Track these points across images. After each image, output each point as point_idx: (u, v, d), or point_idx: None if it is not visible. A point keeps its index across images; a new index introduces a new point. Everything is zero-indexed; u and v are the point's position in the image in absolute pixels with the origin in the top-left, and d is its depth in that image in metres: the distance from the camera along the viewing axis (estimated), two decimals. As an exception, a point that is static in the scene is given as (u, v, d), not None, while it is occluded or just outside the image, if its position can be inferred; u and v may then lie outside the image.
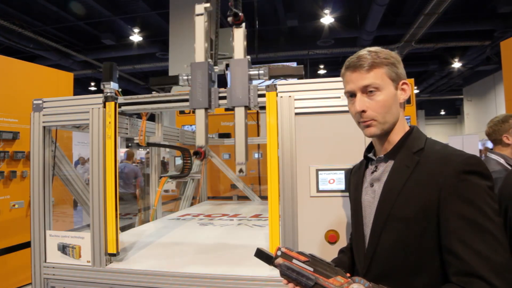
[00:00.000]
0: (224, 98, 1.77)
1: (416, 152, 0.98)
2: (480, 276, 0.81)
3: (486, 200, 0.85)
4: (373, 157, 1.10)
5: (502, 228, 0.85)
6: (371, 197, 1.06)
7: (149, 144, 2.52)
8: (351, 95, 1.04)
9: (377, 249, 0.99)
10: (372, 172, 1.08)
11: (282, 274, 0.98)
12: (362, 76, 0.99)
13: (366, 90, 1.00)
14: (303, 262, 0.96)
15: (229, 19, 1.75)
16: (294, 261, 0.97)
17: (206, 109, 1.73)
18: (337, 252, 1.30)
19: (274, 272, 1.61)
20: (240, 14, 1.73)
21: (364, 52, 1.02)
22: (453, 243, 0.86)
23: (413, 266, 0.93)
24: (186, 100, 1.88)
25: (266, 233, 1.78)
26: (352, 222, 1.14)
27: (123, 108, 2.00)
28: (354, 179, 1.18)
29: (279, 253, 1.00)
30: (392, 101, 1.00)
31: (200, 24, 1.79)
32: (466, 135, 13.34)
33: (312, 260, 0.96)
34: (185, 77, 1.84)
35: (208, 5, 1.81)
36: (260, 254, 1.04)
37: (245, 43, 1.77)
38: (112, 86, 1.95)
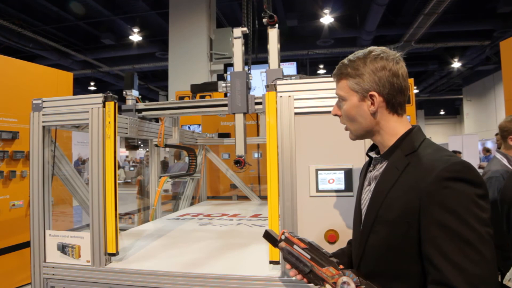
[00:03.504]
0: (259, 103, 1.95)
1: (408, 154, 0.96)
2: (453, 286, 0.80)
3: (470, 209, 0.82)
4: (373, 156, 1.11)
5: (486, 238, 0.82)
6: (367, 195, 1.07)
7: (166, 145, 2.78)
8: None
9: (365, 249, 1.00)
10: (370, 171, 1.10)
11: (284, 258, 1.05)
12: (335, 84, 1.09)
13: (339, 97, 1.08)
14: (303, 249, 1.02)
15: (264, 20, 1.99)
16: (295, 246, 1.03)
17: (244, 113, 1.89)
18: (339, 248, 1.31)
19: (274, 272, 1.61)
20: (275, 16, 1.97)
21: (345, 60, 1.06)
22: (430, 252, 0.85)
23: (394, 270, 0.93)
24: (197, 107, 2.21)
25: (265, 233, 1.78)
26: (353, 218, 1.16)
27: (144, 113, 2.28)
28: (361, 176, 1.20)
29: (283, 237, 1.06)
30: (355, 112, 1.03)
31: (238, 44, 2.02)
32: (466, 135, 13.35)
33: (310, 247, 1.01)
34: (224, 85, 2.03)
35: (245, 29, 2.06)
36: (268, 236, 1.11)
37: (279, 45, 2.03)
38: (133, 94, 2.23)
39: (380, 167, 1.05)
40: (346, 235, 1.52)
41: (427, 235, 0.86)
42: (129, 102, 2.31)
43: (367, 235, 0.99)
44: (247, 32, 2.12)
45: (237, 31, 2.03)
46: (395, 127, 1.02)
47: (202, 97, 4.71)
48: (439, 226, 0.84)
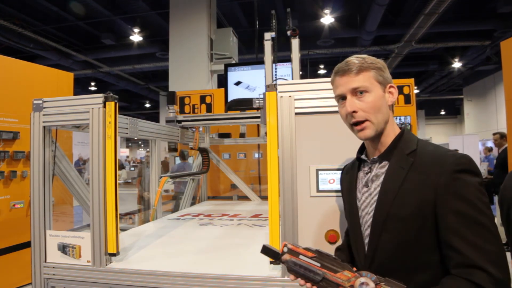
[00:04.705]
0: None
1: (410, 153, 1.02)
2: (479, 266, 0.87)
3: (478, 196, 0.92)
4: (366, 158, 1.13)
5: (493, 219, 0.91)
6: (367, 198, 1.08)
7: (199, 149, 3.47)
8: (341, 98, 1.09)
9: (378, 248, 1.02)
10: (367, 173, 1.10)
11: (290, 270, 1.00)
12: (352, 79, 1.05)
13: (356, 92, 1.05)
14: (310, 257, 0.98)
15: (288, 32, 2.52)
16: (301, 257, 0.99)
17: None
18: (334, 251, 1.31)
19: (274, 272, 1.61)
20: (297, 29, 2.50)
21: (351, 58, 1.08)
22: (451, 238, 0.91)
23: (413, 263, 0.97)
24: (224, 119, 2.95)
25: (266, 233, 1.78)
26: (349, 223, 1.17)
27: (184, 123, 2.99)
28: (347, 179, 1.20)
29: (285, 249, 1.02)
30: (381, 102, 1.05)
31: (268, 50, 2.47)
32: (466, 135, 13.34)
33: (319, 255, 0.98)
34: (257, 102, 2.49)
35: (273, 33, 2.52)
36: (267, 251, 1.05)
37: (299, 54, 2.54)
38: (174, 108, 2.91)
39: (380, 168, 1.07)
40: (346, 235, 1.52)
41: (445, 223, 0.93)
42: (171, 115, 2.92)
43: (378, 234, 1.02)
44: (274, 36, 2.60)
45: (267, 35, 2.49)
46: (394, 125, 1.10)
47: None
48: (456, 214, 0.92)
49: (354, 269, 0.94)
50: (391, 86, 1.07)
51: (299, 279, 0.98)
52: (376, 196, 1.04)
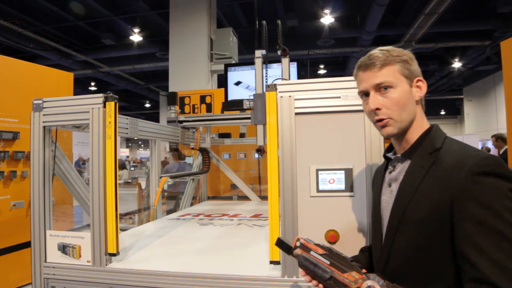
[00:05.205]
0: None
1: (432, 152, 0.94)
2: (494, 285, 0.77)
3: (504, 203, 0.80)
4: (392, 157, 1.07)
5: None
6: (388, 197, 1.04)
7: (200, 149, 3.52)
8: (365, 94, 1.02)
9: (391, 251, 0.97)
10: (390, 172, 1.06)
11: (300, 265, 1.01)
12: (375, 74, 0.98)
13: (379, 88, 0.98)
14: (321, 254, 0.97)
15: (279, 52, 2.62)
16: (312, 252, 0.98)
17: (264, 124, 2.28)
18: (357, 251, 1.29)
19: (274, 272, 1.61)
20: (287, 49, 2.62)
21: (375, 51, 1.00)
22: (466, 249, 0.81)
23: (426, 272, 0.90)
24: (224, 119, 3.06)
25: (266, 233, 1.78)
26: (371, 222, 1.13)
27: (185, 123, 3.08)
28: (377, 179, 1.16)
29: (298, 244, 1.02)
30: (407, 98, 0.97)
31: (259, 65, 2.55)
32: (466, 135, 13.35)
33: (329, 253, 0.97)
34: (248, 103, 2.56)
35: (263, 51, 2.57)
36: (281, 244, 1.07)
37: (289, 71, 2.68)
38: (175, 109, 3.03)
39: (402, 167, 1.02)
40: (346, 235, 1.52)
41: (461, 231, 0.83)
42: (172, 115, 2.98)
43: (393, 236, 0.97)
44: (266, 53, 2.67)
45: (258, 52, 2.56)
46: (422, 121, 1.02)
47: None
48: (474, 222, 0.81)
49: (364, 271, 0.92)
50: (419, 80, 0.99)
51: (306, 276, 0.98)
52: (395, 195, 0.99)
